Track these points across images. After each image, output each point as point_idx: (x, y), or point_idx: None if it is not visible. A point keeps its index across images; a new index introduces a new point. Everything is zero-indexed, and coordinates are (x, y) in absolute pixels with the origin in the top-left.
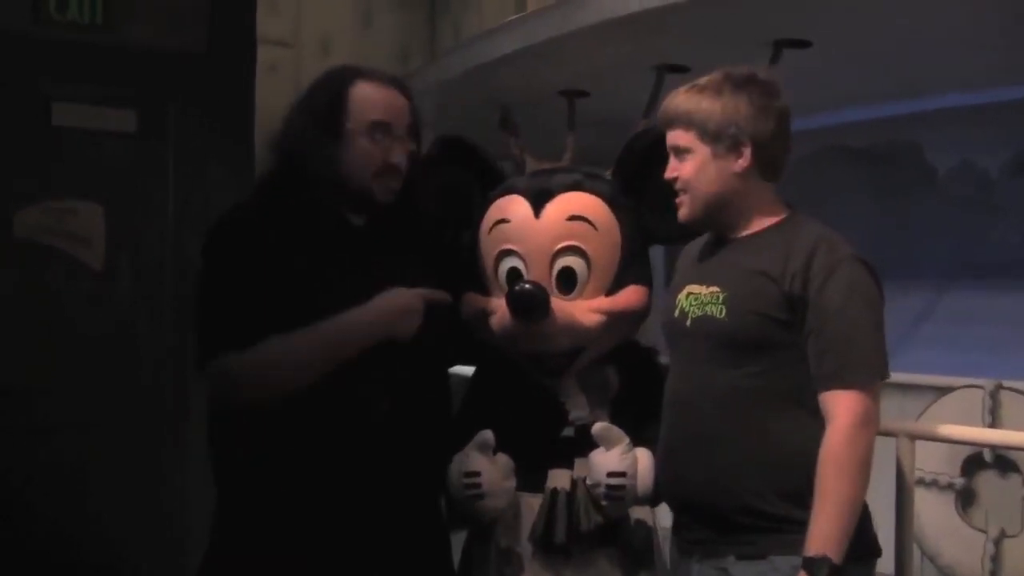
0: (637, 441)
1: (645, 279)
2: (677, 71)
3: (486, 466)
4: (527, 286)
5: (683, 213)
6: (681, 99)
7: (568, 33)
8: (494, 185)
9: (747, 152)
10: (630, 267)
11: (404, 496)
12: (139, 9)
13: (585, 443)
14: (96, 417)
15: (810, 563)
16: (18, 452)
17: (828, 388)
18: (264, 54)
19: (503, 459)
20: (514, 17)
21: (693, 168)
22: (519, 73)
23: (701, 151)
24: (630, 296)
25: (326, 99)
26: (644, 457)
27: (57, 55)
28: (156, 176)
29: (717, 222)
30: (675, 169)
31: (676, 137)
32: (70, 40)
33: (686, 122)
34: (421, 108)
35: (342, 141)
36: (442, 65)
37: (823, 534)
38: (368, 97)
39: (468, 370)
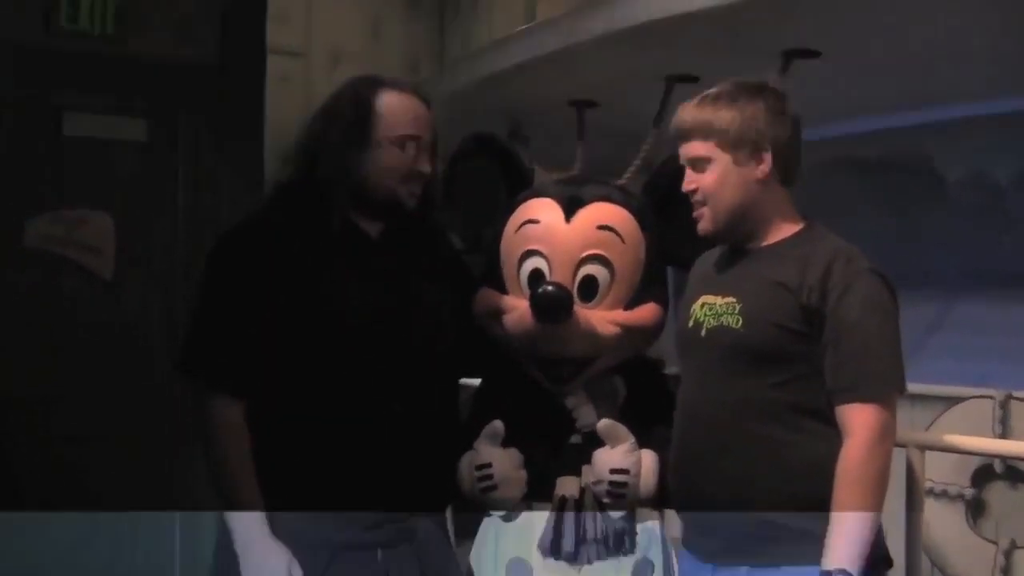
0: (644, 444)
1: (663, 299)
2: (686, 81)
3: (496, 456)
4: (550, 288)
5: (704, 226)
6: (696, 109)
7: (577, 43)
8: (521, 187)
9: (767, 158)
10: (651, 285)
11: (412, 501)
12: (149, 19)
13: (593, 450)
14: (105, 426)
15: None
16: (28, 461)
17: (846, 401)
18: (275, 64)
19: (513, 451)
20: (523, 27)
21: (715, 178)
22: (528, 83)
23: (722, 160)
24: (648, 313)
25: (354, 108)
26: (648, 458)
27: (68, 65)
28: (166, 186)
29: (738, 232)
30: (694, 181)
31: (694, 148)
32: (81, 50)
33: (705, 132)
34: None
35: (371, 149)
36: (451, 75)
37: (842, 548)
38: (398, 108)
39: (475, 382)
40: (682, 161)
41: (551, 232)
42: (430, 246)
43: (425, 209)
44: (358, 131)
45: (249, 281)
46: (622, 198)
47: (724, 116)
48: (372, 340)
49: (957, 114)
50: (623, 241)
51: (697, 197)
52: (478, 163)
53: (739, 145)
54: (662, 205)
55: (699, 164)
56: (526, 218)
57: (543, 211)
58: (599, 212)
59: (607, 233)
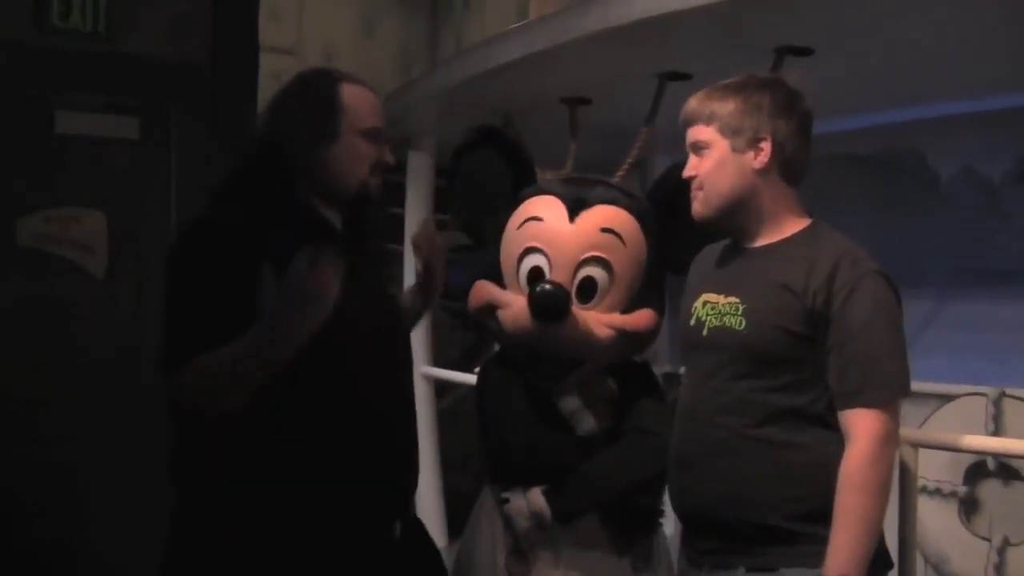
0: (646, 436)
1: (660, 306)
2: (679, 79)
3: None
4: (549, 287)
5: (697, 209)
6: (703, 96)
7: (569, 41)
8: (526, 182)
9: (766, 147)
10: (649, 290)
11: (388, 488)
12: (141, 17)
13: (594, 453)
14: (99, 425)
15: None
16: (21, 460)
17: (850, 406)
18: (267, 62)
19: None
20: (516, 25)
21: (711, 162)
22: (521, 81)
23: (720, 145)
24: (643, 318)
25: (319, 101)
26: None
27: (60, 63)
28: (159, 183)
29: (735, 224)
30: (694, 167)
31: (696, 133)
32: (73, 48)
33: (707, 117)
34: (423, 115)
35: (338, 141)
36: (444, 73)
37: (844, 554)
38: (361, 100)
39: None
40: (688, 146)
41: (554, 231)
42: (381, 235)
43: (382, 198)
44: (327, 123)
45: (218, 276)
46: (627, 202)
47: (727, 103)
48: (344, 327)
49: (950, 111)
50: (625, 245)
51: (694, 183)
52: (483, 156)
53: (738, 131)
54: (665, 211)
55: (699, 149)
56: (530, 215)
57: (547, 209)
58: (603, 214)
59: (610, 236)
